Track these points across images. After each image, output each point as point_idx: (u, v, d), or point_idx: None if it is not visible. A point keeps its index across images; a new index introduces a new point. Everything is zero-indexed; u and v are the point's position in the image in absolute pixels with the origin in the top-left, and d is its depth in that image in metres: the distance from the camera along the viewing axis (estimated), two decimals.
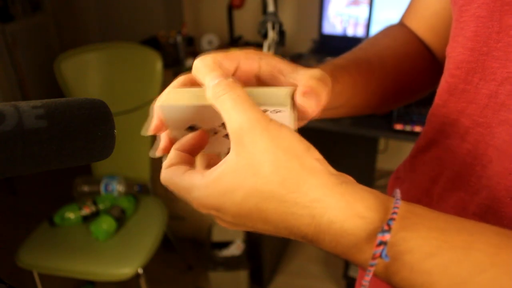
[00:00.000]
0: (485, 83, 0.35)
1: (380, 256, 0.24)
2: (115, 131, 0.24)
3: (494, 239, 0.24)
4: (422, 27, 0.51)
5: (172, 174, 0.29)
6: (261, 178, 0.25)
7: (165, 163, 0.31)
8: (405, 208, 0.25)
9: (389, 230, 0.24)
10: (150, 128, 0.33)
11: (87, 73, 1.58)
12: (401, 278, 0.25)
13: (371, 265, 0.24)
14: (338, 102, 0.42)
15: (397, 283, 0.26)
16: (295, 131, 0.27)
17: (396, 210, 0.24)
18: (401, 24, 0.54)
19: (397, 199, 0.25)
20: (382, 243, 0.24)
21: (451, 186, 0.39)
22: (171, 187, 0.30)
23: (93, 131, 0.23)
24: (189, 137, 0.33)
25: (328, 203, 0.25)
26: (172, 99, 0.31)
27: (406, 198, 0.42)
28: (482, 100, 0.35)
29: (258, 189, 0.25)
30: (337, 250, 0.26)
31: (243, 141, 0.26)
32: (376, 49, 0.49)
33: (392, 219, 0.24)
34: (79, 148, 0.22)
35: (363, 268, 0.26)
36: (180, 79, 0.34)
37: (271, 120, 0.26)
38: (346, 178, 0.27)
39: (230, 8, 1.81)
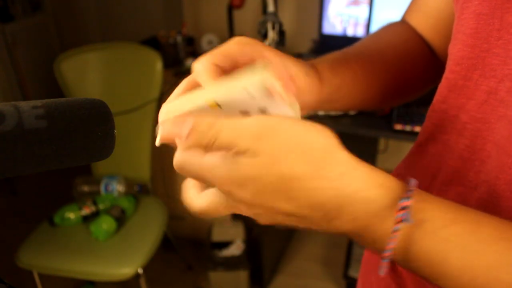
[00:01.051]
0: (484, 79, 0.35)
1: (402, 220, 0.25)
2: (115, 131, 0.24)
3: (503, 220, 0.27)
4: (423, 24, 0.51)
5: (190, 155, 0.28)
6: (288, 164, 0.26)
7: (182, 147, 0.29)
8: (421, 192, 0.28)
9: (410, 197, 0.26)
10: (158, 140, 0.32)
11: (87, 73, 1.58)
12: (420, 246, 0.26)
13: (395, 230, 0.26)
14: (337, 95, 0.43)
15: (414, 255, 0.27)
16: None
17: (412, 183, 0.27)
18: (403, 21, 0.54)
19: (411, 179, 0.28)
20: (405, 208, 0.25)
21: (449, 181, 0.39)
22: (188, 167, 0.29)
23: (93, 131, 0.23)
24: None
25: (354, 175, 0.26)
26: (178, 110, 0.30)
27: None
28: (481, 96, 0.35)
29: (285, 173, 0.26)
30: (358, 223, 0.27)
31: (261, 143, 0.26)
32: (377, 45, 0.50)
33: (411, 189, 0.26)
34: (79, 148, 0.22)
35: (382, 244, 0.27)
36: (183, 84, 0.34)
37: (277, 116, 0.27)
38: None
39: (230, 8, 1.81)
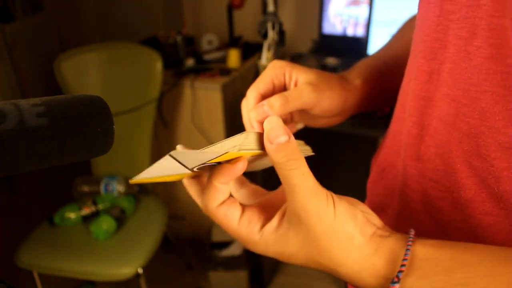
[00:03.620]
0: (425, 61, 0.39)
1: None
2: (114, 126, 0.25)
3: (488, 269, 0.29)
4: None
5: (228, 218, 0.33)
6: (315, 251, 0.31)
7: (213, 200, 0.32)
8: (418, 256, 0.31)
9: (398, 281, 0.29)
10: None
11: (87, 73, 1.58)
12: None
13: None
14: (374, 97, 0.52)
15: None
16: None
17: (404, 263, 0.30)
18: None
19: (407, 249, 0.31)
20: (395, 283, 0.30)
21: (408, 156, 0.42)
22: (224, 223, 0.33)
23: (93, 127, 0.23)
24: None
25: (364, 273, 0.31)
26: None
27: (378, 171, 0.50)
28: (424, 77, 0.39)
29: (310, 257, 0.31)
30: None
31: (303, 220, 0.30)
32: (401, 42, 0.55)
33: (400, 271, 0.30)
34: (79, 144, 0.22)
35: None
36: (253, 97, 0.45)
37: (329, 203, 0.30)
38: (376, 240, 0.32)
39: (230, 8, 1.81)
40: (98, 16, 2.51)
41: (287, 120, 0.49)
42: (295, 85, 0.45)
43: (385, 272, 0.31)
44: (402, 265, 0.30)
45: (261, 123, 0.43)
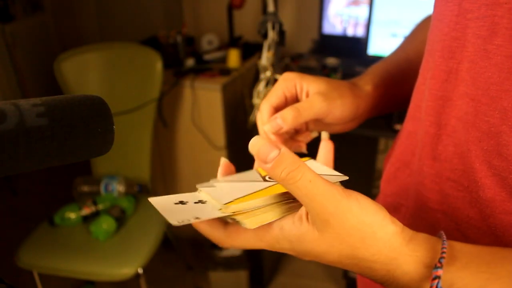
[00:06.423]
0: (443, 60, 0.38)
1: (436, 287, 0.29)
2: (114, 126, 0.25)
3: None
4: None
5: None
6: (348, 246, 0.30)
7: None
8: (456, 248, 0.31)
9: (441, 267, 0.29)
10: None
11: (87, 73, 1.58)
12: None
13: None
14: (386, 101, 0.52)
15: None
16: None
17: (444, 250, 0.30)
18: None
19: (444, 240, 0.31)
20: (437, 277, 0.29)
21: (424, 156, 0.42)
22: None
23: (93, 127, 0.23)
24: None
25: (402, 260, 0.30)
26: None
27: (392, 170, 0.50)
28: (441, 76, 0.39)
29: (343, 254, 0.30)
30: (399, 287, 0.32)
31: (330, 222, 0.29)
32: (413, 44, 0.54)
33: (442, 257, 0.29)
34: (80, 144, 0.22)
35: None
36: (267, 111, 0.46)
37: (348, 196, 0.29)
38: (409, 231, 0.31)
39: (230, 8, 1.81)
40: (98, 16, 2.50)
41: (302, 129, 0.50)
42: (307, 95, 0.45)
43: (426, 259, 0.30)
44: (443, 252, 0.29)
45: (277, 135, 0.45)
